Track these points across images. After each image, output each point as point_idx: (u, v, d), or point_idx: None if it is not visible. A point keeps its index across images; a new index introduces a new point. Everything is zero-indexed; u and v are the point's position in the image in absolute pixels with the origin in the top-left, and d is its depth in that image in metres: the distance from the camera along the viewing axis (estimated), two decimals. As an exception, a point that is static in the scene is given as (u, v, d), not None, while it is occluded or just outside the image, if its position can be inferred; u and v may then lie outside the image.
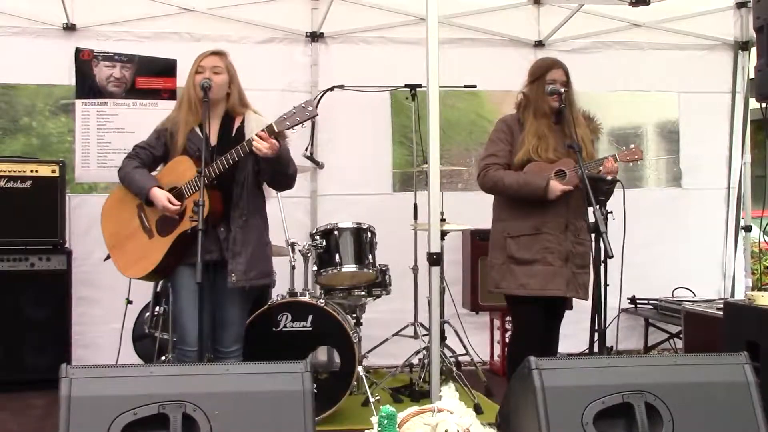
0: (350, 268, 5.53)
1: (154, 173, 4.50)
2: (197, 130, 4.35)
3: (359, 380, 5.45)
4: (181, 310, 4.34)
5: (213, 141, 4.35)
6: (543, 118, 4.79)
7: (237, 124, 4.44)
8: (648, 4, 5.82)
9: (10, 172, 6.03)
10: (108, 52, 6.32)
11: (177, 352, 4.43)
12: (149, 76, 6.30)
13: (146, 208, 4.40)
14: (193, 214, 4.08)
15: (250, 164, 4.35)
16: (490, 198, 5.01)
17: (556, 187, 4.67)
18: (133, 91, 6.29)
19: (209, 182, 4.19)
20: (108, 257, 4.55)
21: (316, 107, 4.26)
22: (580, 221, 4.81)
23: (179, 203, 4.26)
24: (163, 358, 5.44)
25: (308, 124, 5.60)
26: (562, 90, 4.72)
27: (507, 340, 6.68)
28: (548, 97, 4.76)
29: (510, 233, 4.78)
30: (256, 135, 4.13)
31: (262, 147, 4.12)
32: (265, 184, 4.54)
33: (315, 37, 6.92)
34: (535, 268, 4.70)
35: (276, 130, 4.16)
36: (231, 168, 4.25)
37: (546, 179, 4.67)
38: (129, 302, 5.57)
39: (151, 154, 4.45)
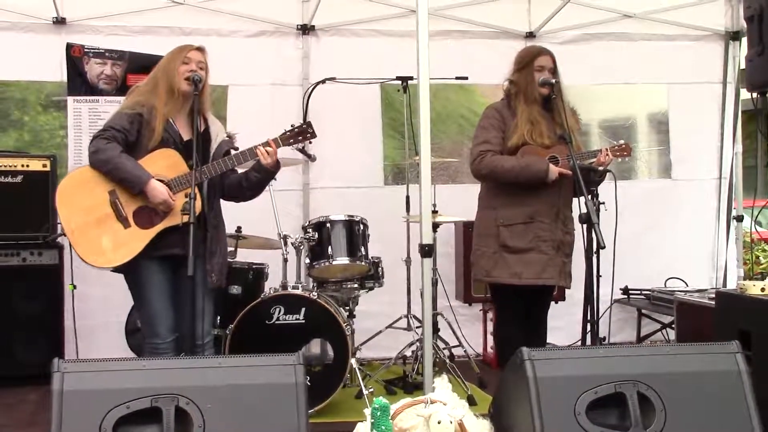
0: (343, 260, 5.52)
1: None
2: (172, 122, 4.33)
3: (352, 373, 5.46)
4: (150, 304, 4.27)
5: (186, 136, 4.32)
6: (534, 105, 4.81)
7: (202, 123, 4.41)
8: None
9: (0, 167, 6.01)
10: (99, 49, 6.29)
11: (148, 346, 4.28)
12: (140, 73, 6.23)
13: (121, 196, 4.22)
14: (184, 208, 4.08)
15: None
16: (481, 188, 5.02)
17: (555, 169, 4.68)
18: (124, 89, 6.21)
19: (202, 180, 4.21)
20: (60, 235, 4.44)
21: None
22: (568, 210, 4.86)
23: (174, 200, 4.20)
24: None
25: (300, 117, 5.63)
26: (554, 80, 4.74)
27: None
28: (539, 86, 4.78)
29: (503, 221, 4.78)
30: (265, 146, 4.32)
31: (270, 158, 4.32)
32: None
33: (306, 29, 6.89)
34: (529, 257, 4.71)
35: (281, 144, 4.38)
36: (226, 172, 4.33)
37: (546, 162, 4.68)
38: (74, 287, 5.64)
39: (126, 139, 4.26)
